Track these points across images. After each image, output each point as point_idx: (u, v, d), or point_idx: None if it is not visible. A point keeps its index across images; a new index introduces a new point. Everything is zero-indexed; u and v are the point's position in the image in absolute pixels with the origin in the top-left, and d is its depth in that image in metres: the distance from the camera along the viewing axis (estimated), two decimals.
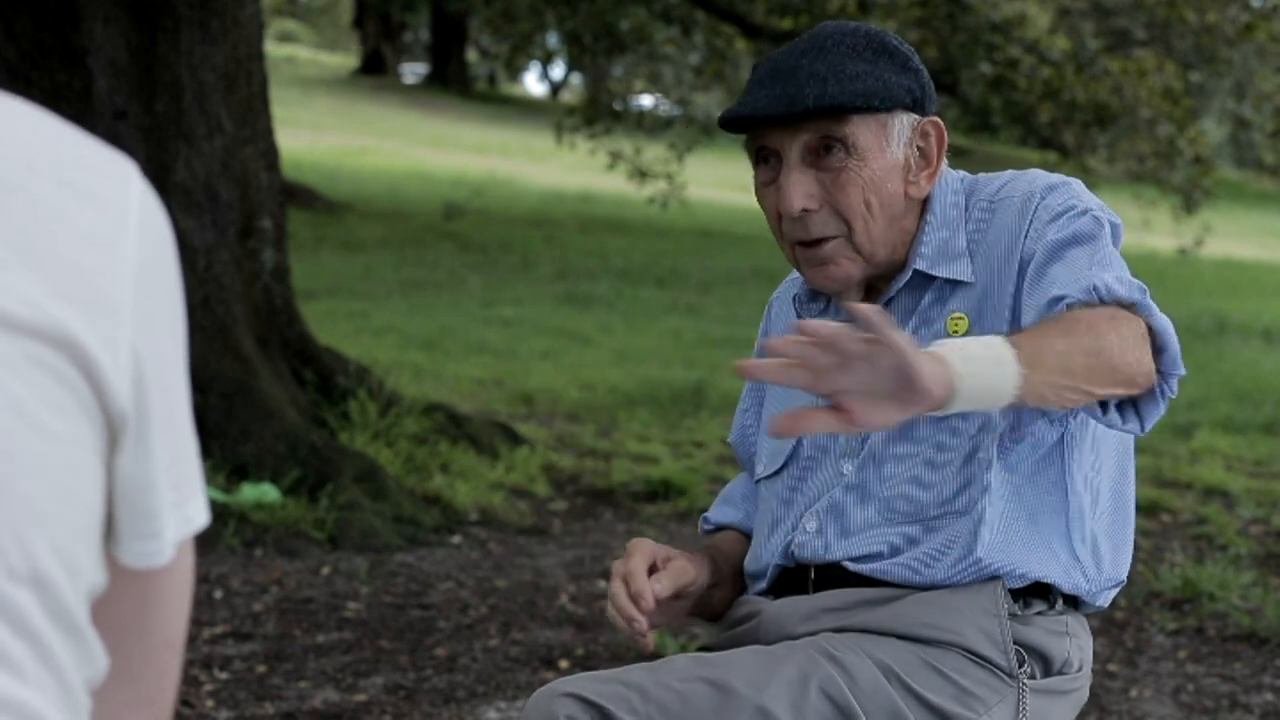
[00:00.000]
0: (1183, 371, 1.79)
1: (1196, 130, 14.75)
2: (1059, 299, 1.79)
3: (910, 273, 1.99)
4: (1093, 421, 1.89)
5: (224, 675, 3.89)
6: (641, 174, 16.68)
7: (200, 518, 1.03)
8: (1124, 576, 2.04)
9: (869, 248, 1.95)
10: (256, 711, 3.66)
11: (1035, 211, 1.93)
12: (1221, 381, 9.32)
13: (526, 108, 36.71)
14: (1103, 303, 1.76)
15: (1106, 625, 4.58)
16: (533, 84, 58.79)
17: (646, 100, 21.11)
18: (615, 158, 16.65)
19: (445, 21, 33.93)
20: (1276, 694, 4.09)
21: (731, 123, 1.95)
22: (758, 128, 1.96)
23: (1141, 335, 1.76)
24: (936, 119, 1.99)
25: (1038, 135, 14.64)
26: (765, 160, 1.98)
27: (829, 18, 12.14)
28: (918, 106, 1.97)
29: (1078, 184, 1.98)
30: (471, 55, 39.12)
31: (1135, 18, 16.98)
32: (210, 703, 3.70)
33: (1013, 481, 1.93)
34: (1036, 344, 1.68)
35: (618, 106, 17.99)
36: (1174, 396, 1.81)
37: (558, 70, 43.22)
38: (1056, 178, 1.98)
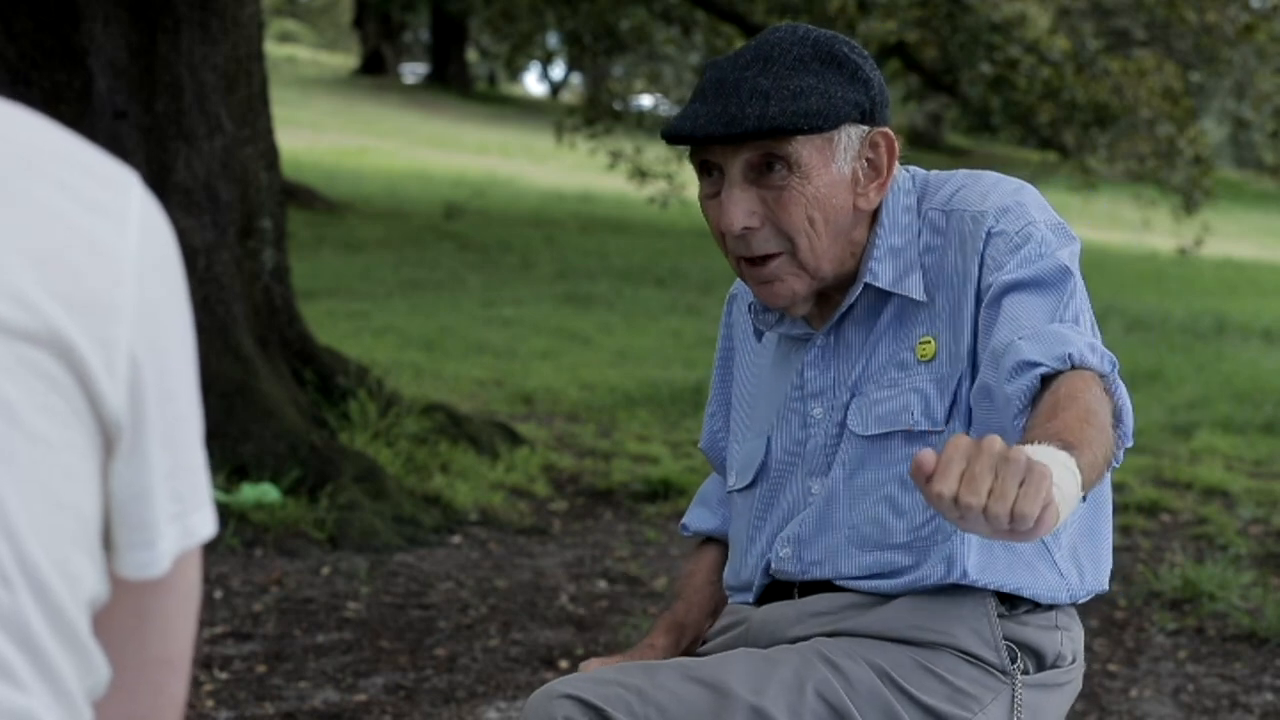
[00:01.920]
0: (1131, 443, 1.77)
1: (1196, 130, 14.74)
2: (1032, 365, 1.72)
3: (861, 286, 1.94)
4: None
5: (224, 675, 3.89)
6: (641, 174, 16.68)
7: (204, 529, 1.02)
8: (1105, 585, 2.02)
9: (814, 263, 1.91)
10: (256, 711, 3.66)
11: (989, 238, 1.88)
12: (1221, 381, 9.32)
13: (526, 108, 36.71)
14: (1074, 368, 1.73)
15: (1106, 625, 4.58)
16: (533, 84, 58.84)
17: (646, 100, 21.11)
18: (615, 158, 16.65)
19: (445, 21, 33.93)
20: (1276, 694, 4.09)
21: (674, 137, 1.90)
22: (699, 144, 1.91)
23: (1111, 416, 1.73)
24: (887, 130, 1.93)
25: (1038, 135, 14.63)
26: (709, 173, 1.93)
27: (829, 18, 12.16)
28: (867, 118, 1.91)
29: (1031, 197, 1.92)
30: (471, 55, 39.12)
31: (1135, 18, 16.98)
32: (210, 703, 3.70)
33: None
34: (1088, 451, 1.62)
35: (618, 106, 17.98)
36: (1118, 466, 1.78)
37: (558, 70, 43.24)
38: (1009, 191, 1.92)
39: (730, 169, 1.90)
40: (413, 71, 42.66)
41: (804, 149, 1.88)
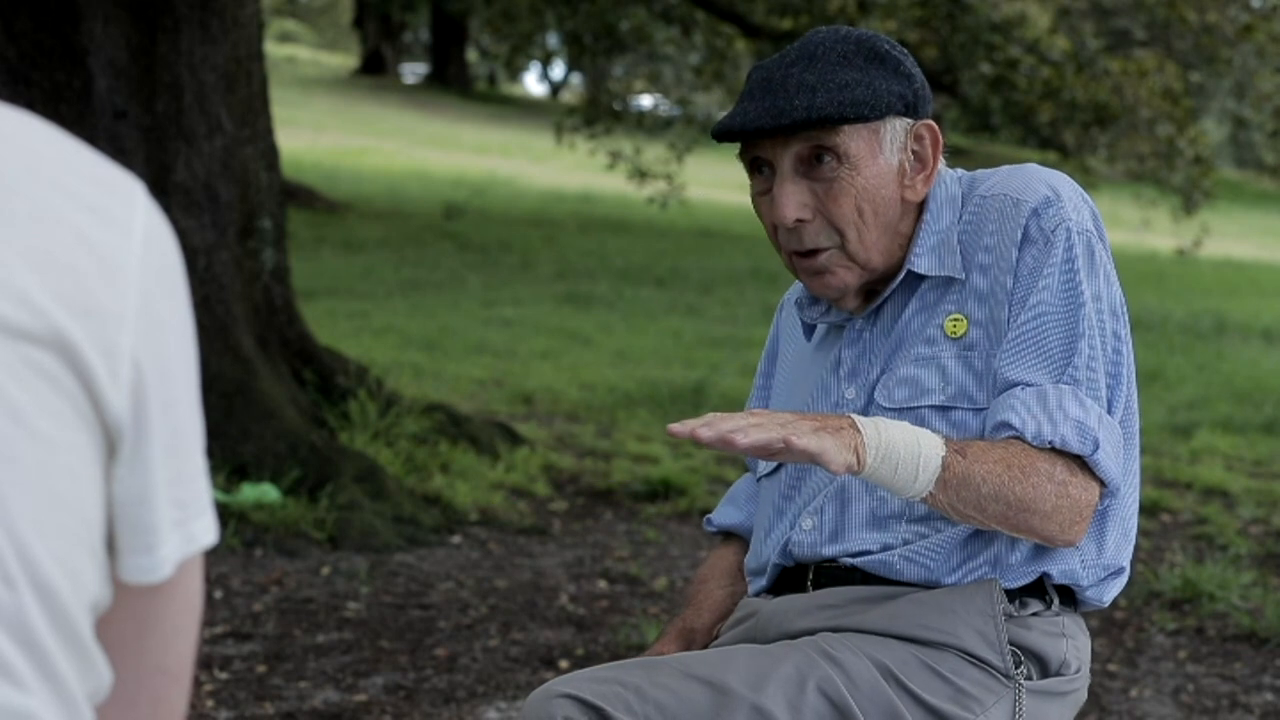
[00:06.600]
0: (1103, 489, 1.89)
1: (1196, 130, 14.75)
2: (1014, 430, 1.85)
3: (904, 273, 1.98)
4: None
5: (224, 675, 3.89)
6: (641, 174, 16.68)
7: (206, 536, 1.02)
8: (1125, 563, 2.01)
9: (864, 255, 1.95)
10: (256, 711, 3.66)
11: (1025, 234, 1.92)
12: (1221, 381, 9.32)
13: (526, 108, 36.70)
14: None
15: (1106, 625, 4.58)
16: (533, 84, 58.86)
17: (646, 100, 21.12)
18: (615, 158, 16.65)
19: (445, 21, 33.93)
20: (1276, 694, 4.09)
21: (724, 134, 1.95)
22: (750, 140, 1.95)
23: (1079, 510, 1.84)
24: (931, 122, 1.98)
25: (1038, 135, 14.65)
26: (759, 170, 1.98)
27: (829, 18, 12.16)
28: (911, 111, 1.96)
29: (1069, 192, 1.95)
30: (471, 55, 39.13)
31: (1135, 18, 16.98)
32: (210, 703, 3.70)
33: None
34: (967, 472, 1.79)
35: (618, 106, 17.98)
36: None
37: (558, 70, 43.25)
38: (1049, 184, 1.95)
39: (781, 163, 1.94)
40: (413, 71, 42.68)
41: (852, 140, 1.92)
